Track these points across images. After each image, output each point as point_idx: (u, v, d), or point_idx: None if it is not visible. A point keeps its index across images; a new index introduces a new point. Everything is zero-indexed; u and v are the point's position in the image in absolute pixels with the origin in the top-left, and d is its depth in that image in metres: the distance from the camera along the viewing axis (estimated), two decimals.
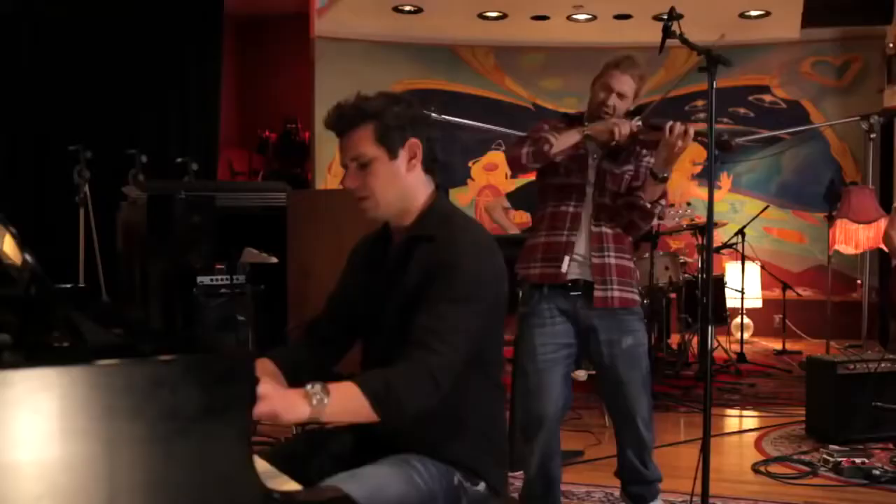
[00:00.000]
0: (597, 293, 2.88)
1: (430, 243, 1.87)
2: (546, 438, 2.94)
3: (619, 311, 2.91)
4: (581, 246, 2.92)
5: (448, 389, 1.75)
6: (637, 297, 2.97)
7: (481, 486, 1.91)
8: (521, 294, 2.97)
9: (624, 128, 2.81)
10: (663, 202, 2.94)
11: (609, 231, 2.93)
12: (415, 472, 1.79)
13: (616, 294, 2.89)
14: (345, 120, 1.88)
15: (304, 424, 1.81)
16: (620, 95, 2.92)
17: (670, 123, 2.76)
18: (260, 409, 1.52)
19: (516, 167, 2.92)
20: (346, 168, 1.92)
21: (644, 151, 2.97)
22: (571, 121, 3.03)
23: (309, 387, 1.62)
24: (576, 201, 2.92)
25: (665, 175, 2.82)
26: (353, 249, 2.13)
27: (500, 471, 1.99)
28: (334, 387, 1.65)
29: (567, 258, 2.88)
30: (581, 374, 5.00)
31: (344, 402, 1.66)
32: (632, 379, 2.91)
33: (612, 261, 2.91)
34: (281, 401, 1.58)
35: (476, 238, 1.90)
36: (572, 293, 2.90)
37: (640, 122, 2.91)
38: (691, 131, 2.75)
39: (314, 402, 1.61)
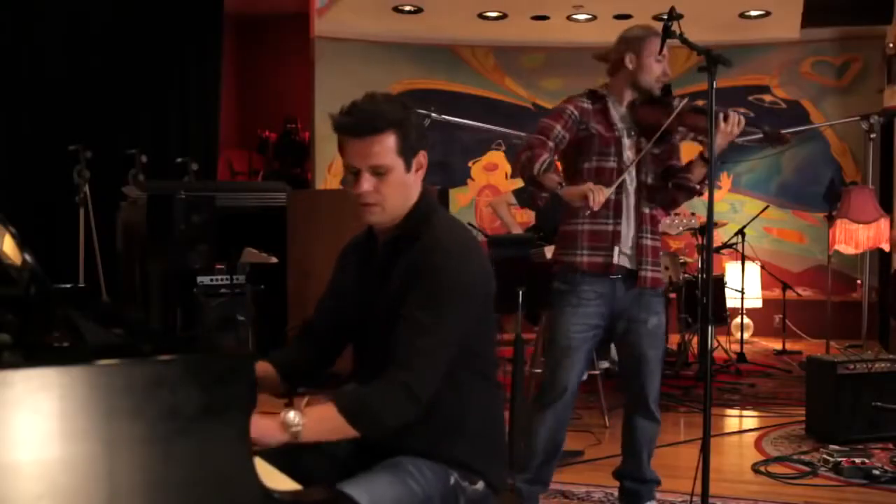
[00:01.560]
0: (640, 273, 2.98)
1: (412, 246, 1.88)
2: (562, 409, 3.03)
3: (647, 291, 3.01)
4: (625, 233, 2.97)
5: (429, 398, 1.77)
6: (663, 277, 3.10)
7: (480, 485, 1.91)
8: (558, 272, 3.02)
9: (599, 197, 2.79)
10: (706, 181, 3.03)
11: (648, 212, 3.00)
12: (409, 477, 1.80)
13: (649, 275, 3.00)
14: (367, 124, 1.84)
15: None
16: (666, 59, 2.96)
17: (724, 112, 2.83)
18: None
19: (513, 168, 3.01)
20: (355, 172, 1.88)
21: (681, 129, 3.01)
22: (596, 98, 3.02)
23: (287, 414, 1.68)
24: (616, 188, 2.94)
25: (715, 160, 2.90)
26: (342, 251, 2.14)
27: (500, 469, 2.00)
28: (311, 410, 1.72)
29: (617, 249, 2.95)
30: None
31: (321, 425, 1.72)
32: (652, 357, 3.03)
33: (648, 242, 3.00)
34: (257, 429, 1.58)
35: (458, 238, 1.91)
36: (612, 276, 2.97)
37: (686, 101, 2.93)
38: (743, 120, 2.85)
39: (290, 428, 1.67)
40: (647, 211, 3.00)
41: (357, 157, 1.87)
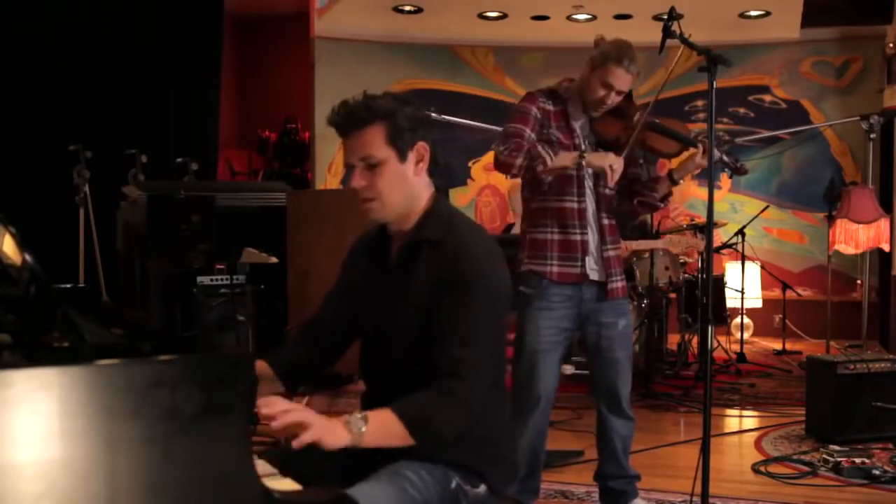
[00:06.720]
0: (609, 286, 2.99)
1: (435, 250, 1.87)
2: (540, 418, 3.01)
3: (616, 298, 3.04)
4: (592, 242, 2.98)
5: (479, 408, 1.79)
6: (629, 283, 3.15)
7: (482, 488, 1.90)
8: (524, 277, 2.97)
9: (618, 170, 2.84)
10: (669, 197, 3.16)
11: (607, 223, 3.02)
12: (408, 483, 1.79)
13: (618, 285, 3.02)
14: (354, 118, 1.85)
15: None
16: (619, 93, 2.93)
17: (701, 139, 2.95)
18: (305, 437, 1.61)
19: (505, 172, 2.92)
20: (351, 167, 1.89)
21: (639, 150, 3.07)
22: (556, 99, 2.99)
23: (349, 416, 1.69)
24: (578, 196, 2.95)
25: (682, 181, 3.08)
26: (352, 248, 2.12)
27: (503, 472, 1.98)
28: (373, 415, 1.71)
29: (589, 259, 2.96)
30: (567, 369, 4.98)
31: (382, 430, 1.71)
32: (622, 358, 3.04)
33: (611, 253, 3.02)
34: (323, 428, 1.64)
35: (484, 246, 1.89)
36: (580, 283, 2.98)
37: (646, 115, 2.98)
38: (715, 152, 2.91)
39: (354, 429, 1.67)
40: (606, 222, 3.01)
41: (349, 153, 1.88)
